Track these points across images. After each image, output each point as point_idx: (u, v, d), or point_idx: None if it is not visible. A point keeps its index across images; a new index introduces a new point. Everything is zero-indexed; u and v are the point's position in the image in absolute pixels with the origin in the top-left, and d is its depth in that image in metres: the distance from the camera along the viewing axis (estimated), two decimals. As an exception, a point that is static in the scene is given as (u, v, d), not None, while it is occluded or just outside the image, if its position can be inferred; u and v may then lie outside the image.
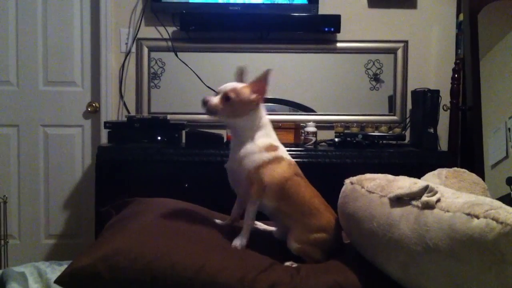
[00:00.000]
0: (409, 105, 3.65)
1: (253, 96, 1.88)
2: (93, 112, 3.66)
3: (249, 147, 1.88)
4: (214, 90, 3.50)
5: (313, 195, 1.96)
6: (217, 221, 2.14)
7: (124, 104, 3.64)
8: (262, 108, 1.94)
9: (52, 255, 3.67)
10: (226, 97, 1.86)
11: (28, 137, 3.66)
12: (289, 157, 1.97)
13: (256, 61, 3.67)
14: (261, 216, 2.05)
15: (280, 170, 1.88)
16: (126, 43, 3.63)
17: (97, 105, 3.65)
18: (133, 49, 3.64)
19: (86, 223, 3.62)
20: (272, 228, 2.17)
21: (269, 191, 1.89)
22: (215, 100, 1.86)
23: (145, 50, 3.64)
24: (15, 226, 3.68)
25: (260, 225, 2.21)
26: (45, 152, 3.67)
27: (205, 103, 1.86)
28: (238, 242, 1.87)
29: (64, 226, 3.71)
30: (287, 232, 1.92)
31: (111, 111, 3.63)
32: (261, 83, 1.89)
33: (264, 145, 1.89)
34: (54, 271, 1.94)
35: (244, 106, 1.88)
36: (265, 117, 1.94)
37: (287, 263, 1.82)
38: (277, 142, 1.95)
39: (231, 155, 1.96)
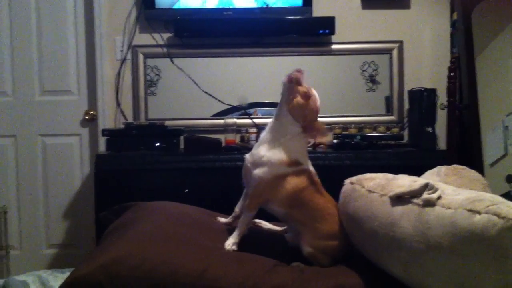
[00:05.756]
0: (406, 105, 3.65)
1: (311, 122, 1.91)
2: (90, 120, 3.66)
3: (273, 152, 1.89)
4: (211, 95, 3.56)
5: (327, 202, 1.96)
6: (220, 218, 2.14)
7: (121, 111, 3.64)
8: (306, 137, 1.95)
9: (53, 264, 3.65)
10: (307, 95, 1.91)
11: (26, 147, 3.66)
12: (310, 168, 1.97)
13: (252, 65, 3.68)
14: (267, 216, 2.05)
15: (294, 183, 1.89)
16: (121, 51, 3.63)
17: (94, 113, 3.64)
18: (128, 57, 3.64)
19: (87, 232, 3.60)
20: (277, 228, 2.17)
21: (279, 201, 1.89)
22: (303, 82, 1.93)
23: (141, 57, 3.63)
24: (16, 236, 3.66)
25: (265, 224, 2.21)
26: (43, 161, 3.66)
27: (298, 71, 1.95)
28: (227, 243, 1.88)
29: (65, 235, 3.70)
30: (299, 236, 1.92)
31: (108, 119, 3.63)
32: (322, 130, 1.93)
33: (287, 159, 1.89)
34: (56, 279, 1.94)
35: (303, 117, 1.90)
36: (305, 141, 1.96)
37: (294, 264, 1.82)
38: (302, 159, 1.94)
39: (255, 147, 1.96)
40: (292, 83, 1.94)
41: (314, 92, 1.95)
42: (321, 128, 1.92)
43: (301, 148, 1.95)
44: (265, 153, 1.90)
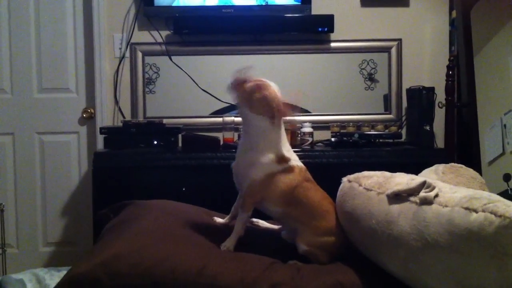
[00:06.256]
0: (404, 103, 3.65)
1: (277, 107, 1.85)
2: (88, 118, 3.65)
3: (259, 155, 1.88)
4: (209, 93, 3.55)
5: (322, 198, 1.96)
6: (217, 219, 2.14)
7: (120, 109, 3.63)
8: (281, 122, 1.91)
9: (50, 263, 3.64)
10: (258, 86, 1.86)
11: (24, 145, 3.65)
12: (300, 164, 1.95)
13: (251, 63, 3.65)
14: (264, 215, 2.05)
15: (287, 180, 1.88)
16: (120, 48, 3.62)
17: (92, 111, 3.64)
18: (127, 54, 3.63)
19: (84, 230, 3.60)
20: (274, 226, 2.17)
21: (274, 200, 1.89)
22: (247, 78, 1.89)
23: (139, 54, 3.63)
24: (13, 235, 3.65)
25: (263, 223, 2.22)
26: (41, 159, 3.65)
27: (237, 72, 1.90)
28: (224, 245, 1.87)
29: (62, 234, 3.69)
30: (296, 234, 1.92)
31: (106, 117, 3.62)
32: (291, 107, 1.86)
33: (275, 157, 1.88)
34: (52, 277, 1.93)
35: (263, 106, 1.86)
36: (282, 129, 1.92)
37: (291, 262, 1.82)
38: (288, 153, 1.93)
39: (239, 156, 1.95)
40: (239, 87, 1.90)
41: (264, 80, 1.90)
42: (282, 108, 1.85)
43: (283, 141, 1.92)
44: (252, 156, 1.89)
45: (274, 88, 1.89)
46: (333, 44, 3.66)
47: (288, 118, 1.86)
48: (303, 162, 1.99)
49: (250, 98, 1.88)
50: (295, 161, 1.93)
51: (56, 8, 3.61)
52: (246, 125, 1.94)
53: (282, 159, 1.88)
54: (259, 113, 1.87)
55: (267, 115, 1.87)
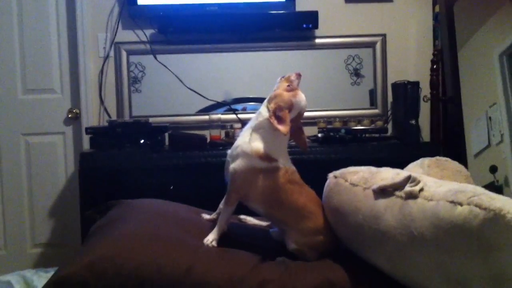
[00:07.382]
0: (390, 98, 3.67)
1: (272, 112, 1.86)
2: (74, 118, 3.63)
3: (247, 147, 1.87)
4: (195, 92, 3.54)
5: (308, 200, 1.94)
6: (204, 215, 2.13)
7: (105, 109, 3.61)
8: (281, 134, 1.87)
9: (39, 264, 3.62)
10: (290, 89, 1.94)
11: (9, 146, 3.62)
12: (288, 166, 1.93)
13: (236, 61, 3.67)
14: (253, 212, 2.05)
15: (269, 181, 1.87)
16: (104, 48, 3.60)
17: (77, 111, 3.62)
18: (111, 54, 3.61)
19: (72, 231, 3.58)
20: (262, 223, 2.17)
21: (256, 198, 1.89)
22: (294, 82, 1.97)
23: (124, 54, 3.61)
24: (0, 236, 3.62)
25: (250, 219, 2.21)
26: (27, 161, 3.63)
27: (296, 73, 2.01)
28: (207, 239, 1.87)
29: (50, 235, 3.67)
30: (284, 232, 1.92)
31: (92, 117, 3.60)
32: (288, 120, 1.85)
33: (261, 152, 1.86)
34: (40, 278, 1.92)
35: (275, 105, 1.87)
36: (280, 136, 1.87)
37: (279, 259, 1.82)
38: (277, 154, 1.89)
39: (237, 140, 1.96)
40: (281, 83, 1.95)
41: (299, 92, 1.94)
42: (283, 117, 1.84)
43: (277, 143, 1.90)
44: (240, 143, 1.90)
45: (293, 100, 1.89)
46: (318, 40, 3.67)
47: (275, 126, 1.84)
48: (290, 159, 1.98)
49: (272, 94, 1.91)
50: (282, 164, 1.91)
51: (39, 8, 3.58)
52: (256, 115, 1.94)
53: (267, 158, 1.87)
54: (268, 106, 1.88)
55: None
